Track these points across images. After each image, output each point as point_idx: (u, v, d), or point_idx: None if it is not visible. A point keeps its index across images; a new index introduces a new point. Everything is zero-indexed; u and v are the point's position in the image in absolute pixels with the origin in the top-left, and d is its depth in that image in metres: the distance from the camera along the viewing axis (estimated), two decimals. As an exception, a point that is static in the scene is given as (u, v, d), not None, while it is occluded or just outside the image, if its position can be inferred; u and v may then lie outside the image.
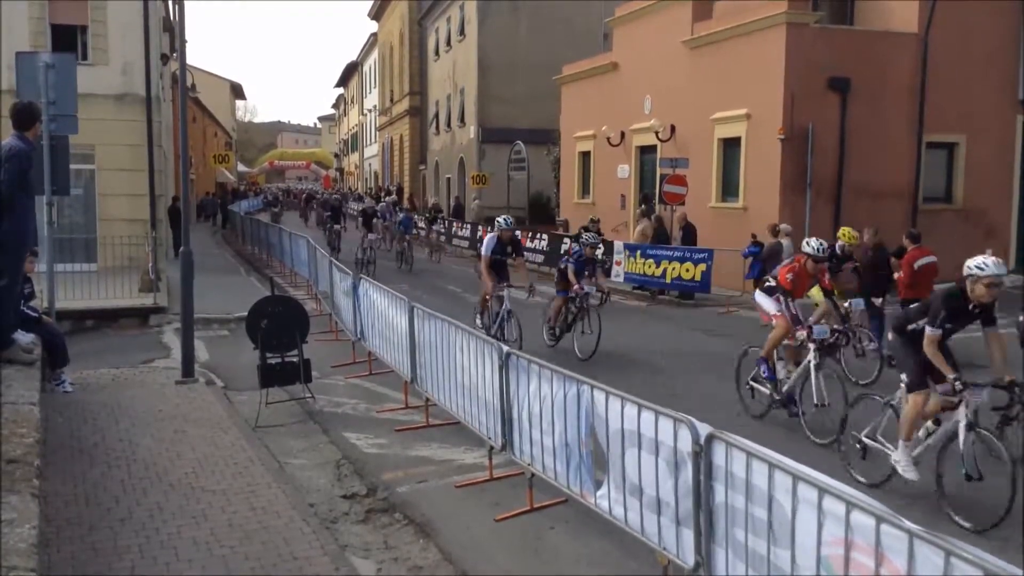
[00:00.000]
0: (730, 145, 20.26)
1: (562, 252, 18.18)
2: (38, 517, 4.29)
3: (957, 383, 6.45)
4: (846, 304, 11.06)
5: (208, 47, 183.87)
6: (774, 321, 9.12)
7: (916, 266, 11.93)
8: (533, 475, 6.47)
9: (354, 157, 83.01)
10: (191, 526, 5.94)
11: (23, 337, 8.07)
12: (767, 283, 9.53)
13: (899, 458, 6.84)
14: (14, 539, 3.86)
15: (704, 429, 4.53)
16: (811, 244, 8.94)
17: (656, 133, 22.63)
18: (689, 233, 19.09)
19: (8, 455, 4.99)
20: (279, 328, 9.46)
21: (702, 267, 17.94)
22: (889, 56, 18.95)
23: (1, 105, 16.67)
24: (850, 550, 3.61)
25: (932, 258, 12.12)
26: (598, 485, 5.67)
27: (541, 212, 33.03)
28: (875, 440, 7.20)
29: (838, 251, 12.24)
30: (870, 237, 13.45)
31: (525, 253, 24.90)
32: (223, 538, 5.77)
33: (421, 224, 33.02)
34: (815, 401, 8.42)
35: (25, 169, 7.35)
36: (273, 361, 9.46)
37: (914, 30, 19.03)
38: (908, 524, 3.37)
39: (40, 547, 4.05)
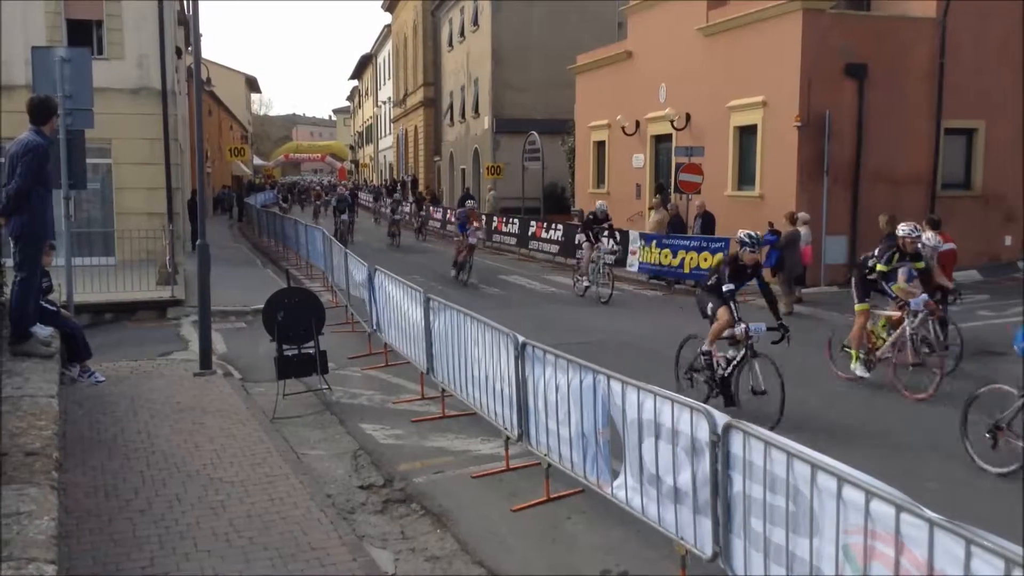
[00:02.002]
0: (746, 133, 20.13)
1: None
2: (57, 509, 4.32)
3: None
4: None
5: (223, 41, 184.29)
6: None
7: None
8: (549, 465, 6.47)
9: (369, 149, 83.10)
10: (209, 517, 5.97)
11: (41, 330, 8.14)
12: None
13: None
14: (33, 531, 3.89)
15: (722, 418, 4.51)
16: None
17: (671, 122, 22.51)
18: (708, 222, 18.98)
19: (27, 447, 5.03)
20: (295, 320, 9.49)
21: (719, 256, 17.83)
22: (907, 41, 18.76)
23: (1, 98, 17.03)
24: (870, 539, 3.58)
25: (951, 244, 12.04)
26: (615, 475, 5.66)
27: (556, 202, 32.97)
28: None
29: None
30: (885, 224, 13.34)
31: (539, 243, 25.10)
32: (241, 529, 5.80)
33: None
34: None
35: (42, 163, 7.40)
36: (290, 353, 9.50)
37: (932, 15, 18.82)
38: (928, 513, 3.33)
39: (59, 538, 4.08)
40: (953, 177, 19.87)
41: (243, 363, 11.59)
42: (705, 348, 9.15)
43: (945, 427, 8.16)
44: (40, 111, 7.57)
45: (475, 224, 20.05)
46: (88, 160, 11.52)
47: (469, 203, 21.63)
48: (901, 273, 10.48)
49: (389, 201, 36.39)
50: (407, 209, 34.96)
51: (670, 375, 10.18)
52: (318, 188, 54.89)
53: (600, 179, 27.98)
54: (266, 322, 9.59)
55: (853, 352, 10.36)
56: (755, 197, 19.60)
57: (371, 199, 48.42)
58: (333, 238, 16.69)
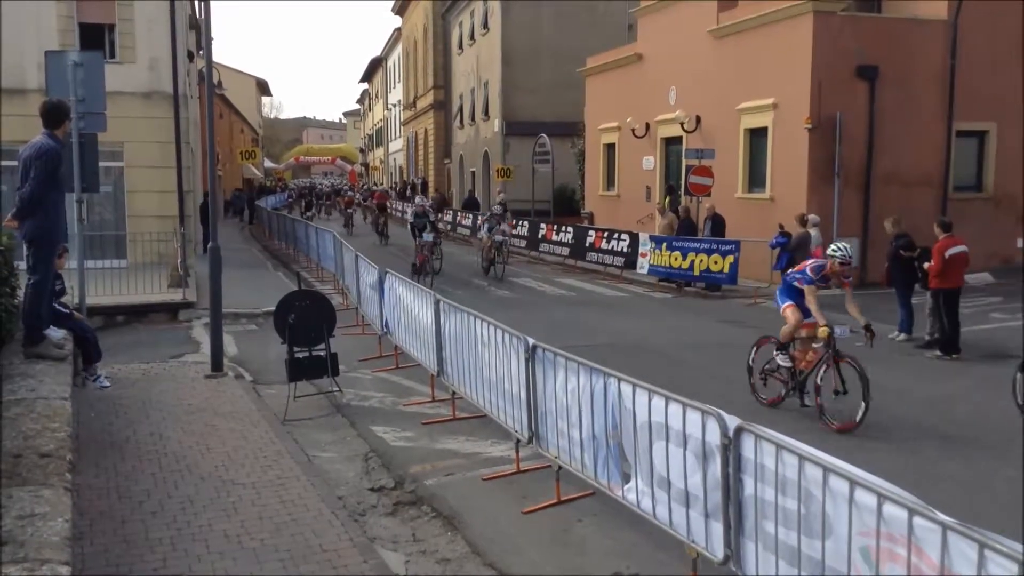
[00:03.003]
0: (756, 135, 20.10)
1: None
2: (71, 510, 4.34)
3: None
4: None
5: (234, 44, 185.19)
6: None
7: (947, 255, 11.78)
8: (560, 468, 6.46)
9: (379, 152, 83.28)
10: (222, 519, 6.00)
11: (54, 333, 8.19)
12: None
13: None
14: (47, 532, 3.91)
15: (733, 421, 4.50)
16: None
17: (681, 124, 22.49)
18: (718, 224, 18.96)
19: (41, 449, 5.06)
20: (306, 322, 9.51)
21: (730, 259, 17.82)
22: (918, 43, 18.70)
23: (1, 101, 17.10)
24: (883, 542, 3.57)
25: (963, 247, 11.98)
26: (626, 478, 5.66)
27: (566, 205, 32.97)
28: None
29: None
30: (891, 227, 13.32)
31: (549, 245, 25.08)
32: (253, 531, 5.82)
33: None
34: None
35: (55, 167, 7.44)
36: (301, 355, 9.52)
37: (943, 16, 18.76)
38: (941, 516, 3.33)
39: (73, 540, 4.10)
40: (965, 179, 19.81)
41: (254, 365, 11.62)
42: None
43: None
44: (53, 115, 7.61)
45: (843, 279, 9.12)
46: (100, 163, 11.55)
47: (839, 251, 8.96)
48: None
49: (483, 218, 25.38)
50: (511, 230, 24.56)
51: (679, 377, 10.17)
52: (351, 194, 45.81)
53: (610, 181, 27.98)
54: (277, 325, 9.61)
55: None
56: (765, 199, 19.56)
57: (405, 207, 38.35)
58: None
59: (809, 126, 17.97)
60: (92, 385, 9.39)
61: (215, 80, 22.33)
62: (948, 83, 18.87)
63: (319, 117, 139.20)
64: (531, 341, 6.66)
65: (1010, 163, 19.68)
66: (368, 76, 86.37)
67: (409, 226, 22.61)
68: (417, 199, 25.03)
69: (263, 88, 78.72)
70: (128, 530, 5.77)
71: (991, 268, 18.61)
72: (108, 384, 9.53)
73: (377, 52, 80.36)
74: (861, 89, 18.33)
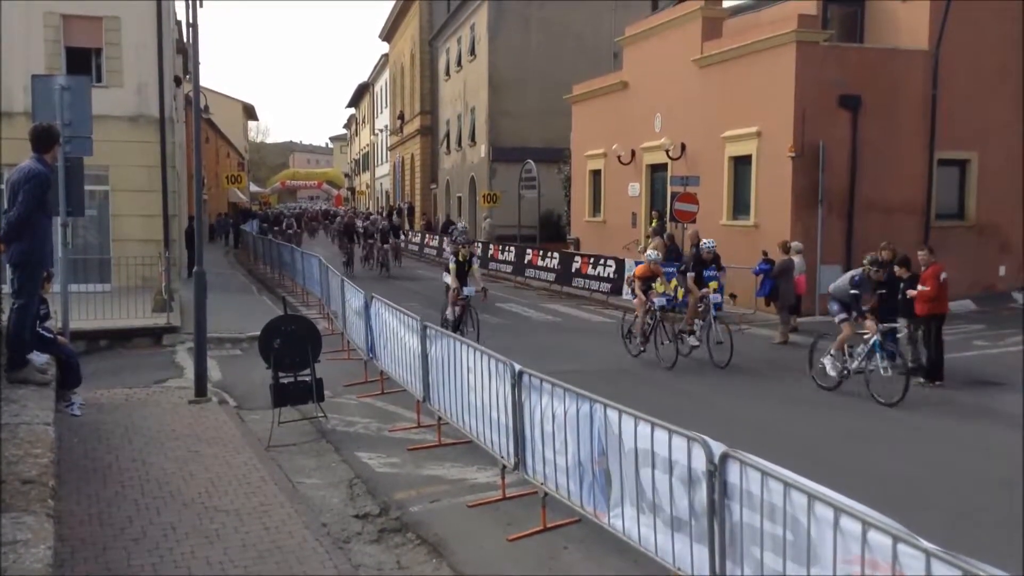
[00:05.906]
0: (741, 163, 20.26)
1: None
2: (53, 537, 4.30)
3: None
4: None
5: (221, 68, 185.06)
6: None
7: (941, 279, 11.88)
8: (546, 494, 6.45)
9: (365, 177, 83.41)
10: (204, 546, 5.94)
11: (38, 357, 8.14)
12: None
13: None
14: (29, 559, 3.87)
15: (718, 448, 4.51)
16: None
17: (667, 151, 22.65)
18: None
19: (23, 475, 5.01)
20: (292, 347, 9.47)
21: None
22: (900, 73, 18.95)
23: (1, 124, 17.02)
24: (867, 569, 3.58)
25: (944, 274, 12.09)
26: (612, 505, 5.65)
27: (552, 230, 33.10)
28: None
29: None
30: (886, 255, 13.40)
31: (535, 271, 25.14)
32: (236, 558, 5.77)
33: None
34: None
35: (44, 191, 7.43)
36: (286, 380, 9.47)
37: (924, 47, 19.03)
38: (925, 544, 3.34)
39: (55, 567, 4.06)
40: (947, 207, 20.01)
41: (238, 391, 11.56)
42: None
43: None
44: (43, 139, 7.61)
45: None
46: (86, 187, 11.53)
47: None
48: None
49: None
50: None
51: (668, 402, 10.19)
52: (381, 222, 31.76)
53: (596, 208, 28.11)
54: (262, 349, 9.57)
55: None
56: (750, 226, 19.69)
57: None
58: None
59: (793, 154, 18.14)
60: (64, 411, 9.28)
61: (202, 104, 22.36)
62: (930, 112, 19.11)
63: (306, 142, 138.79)
64: (517, 367, 6.66)
65: (991, 191, 19.91)
66: (355, 101, 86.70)
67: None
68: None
69: (250, 112, 78.87)
70: (110, 557, 5.71)
71: (973, 295, 18.79)
72: (79, 413, 9.40)
73: (364, 77, 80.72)
74: (844, 118, 18.54)
